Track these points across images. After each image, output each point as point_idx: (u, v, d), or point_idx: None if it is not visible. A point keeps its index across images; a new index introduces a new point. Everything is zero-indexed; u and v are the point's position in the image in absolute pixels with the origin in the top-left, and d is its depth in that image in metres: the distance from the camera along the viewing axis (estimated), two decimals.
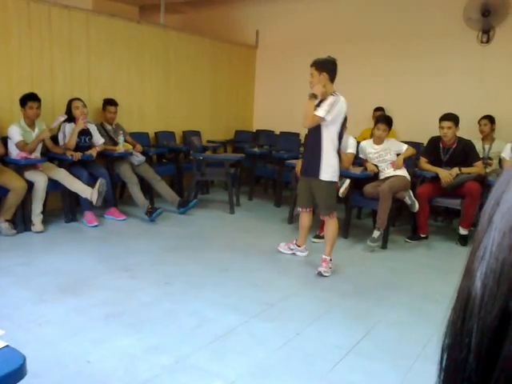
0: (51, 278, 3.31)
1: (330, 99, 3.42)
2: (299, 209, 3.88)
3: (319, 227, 4.53)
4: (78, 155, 4.62)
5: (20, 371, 1.16)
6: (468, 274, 0.29)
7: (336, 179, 3.59)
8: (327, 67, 3.45)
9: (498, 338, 0.28)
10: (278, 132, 7.09)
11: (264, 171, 6.47)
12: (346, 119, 3.53)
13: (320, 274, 3.57)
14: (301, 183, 3.81)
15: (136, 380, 2.17)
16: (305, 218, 3.90)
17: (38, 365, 2.18)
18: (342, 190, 4.26)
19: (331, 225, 3.66)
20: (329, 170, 3.51)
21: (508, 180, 0.27)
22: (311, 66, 3.47)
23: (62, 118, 4.47)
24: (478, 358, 0.30)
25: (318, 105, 3.45)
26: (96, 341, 2.49)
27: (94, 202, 4.42)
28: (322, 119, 3.41)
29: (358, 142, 4.69)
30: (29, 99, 4.35)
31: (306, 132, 3.68)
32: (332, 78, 3.49)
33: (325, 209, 3.63)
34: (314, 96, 3.44)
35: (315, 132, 3.51)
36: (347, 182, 4.30)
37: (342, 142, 3.68)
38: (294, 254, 4.06)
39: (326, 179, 3.52)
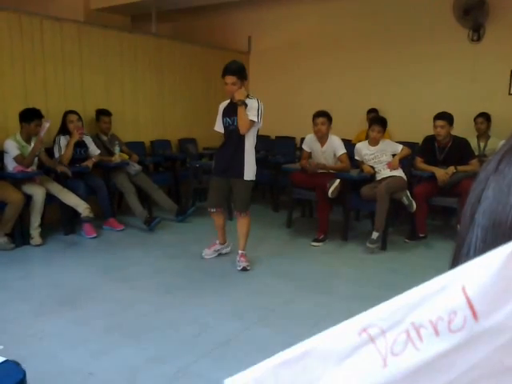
0: (50, 290, 3.30)
1: (254, 103, 3.54)
2: (212, 209, 3.88)
3: (318, 231, 4.53)
4: (65, 170, 4.55)
5: None
6: None
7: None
8: (245, 74, 3.60)
9: None
10: (273, 137, 7.09)
11: (261, 176, 6.42)
12: None
13: (244, 269, 3.73)
14: (215, 183, 3.84)
15: None
16: (219, 218, 3.95)
17: (40, 378, 2.17)
18: (331, 190, 4.25)
19: (246, 222, 3.82)
20: (251, 169, 3.66)
21: (487, 177, 0.27)
22: (231, 74, 3.51)
23: (48, 124, 4.36)
24: None
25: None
26: (97, 352, 2.48)
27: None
28: (257, 123, 3.57)
29: (354, 144, 4.70)
30: (36, 117, 4.34)
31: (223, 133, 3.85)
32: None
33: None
34: (243, 103, 3.52)
35: (236, 134, 3.62)
36: (337, 181, 4.29)
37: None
38: (219, 254, 4.07)
39: (248, 179, 3.67)
